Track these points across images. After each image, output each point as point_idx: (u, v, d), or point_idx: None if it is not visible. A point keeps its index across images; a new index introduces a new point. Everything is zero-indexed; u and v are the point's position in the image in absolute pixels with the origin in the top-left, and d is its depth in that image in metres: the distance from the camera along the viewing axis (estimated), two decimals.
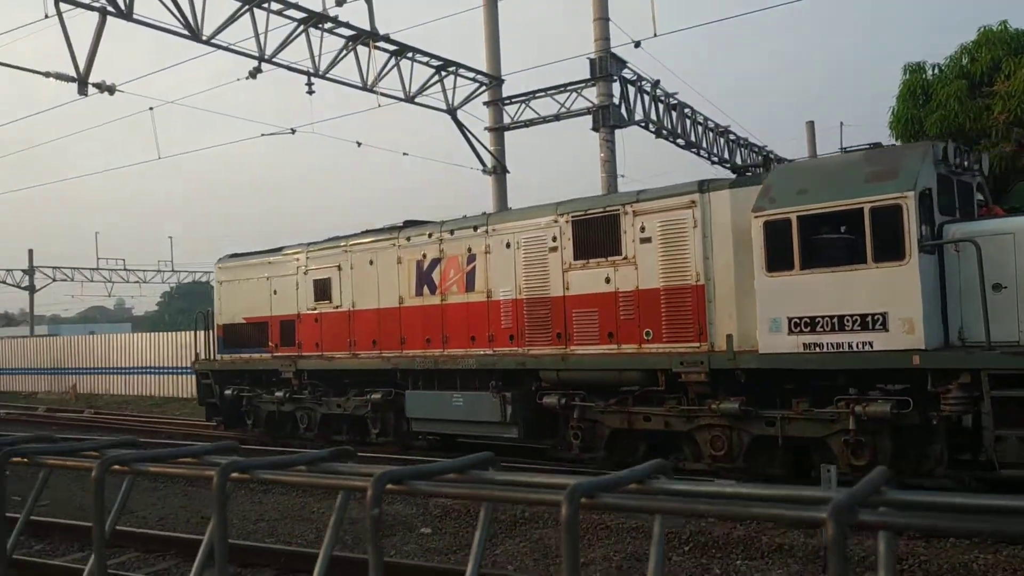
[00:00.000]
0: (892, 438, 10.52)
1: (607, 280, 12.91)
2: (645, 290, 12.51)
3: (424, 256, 15.44)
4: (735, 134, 28.87)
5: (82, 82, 17.07)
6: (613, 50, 21.05)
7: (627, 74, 21.86)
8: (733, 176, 12.16)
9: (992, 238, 9.94)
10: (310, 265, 17.54)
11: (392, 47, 20.50)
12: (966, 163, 11.22)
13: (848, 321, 10.36)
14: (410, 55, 21.07)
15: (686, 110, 25.21)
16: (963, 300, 10.11)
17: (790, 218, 10.70)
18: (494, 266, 14.35)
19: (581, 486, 0.91)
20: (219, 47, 17.90)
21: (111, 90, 17.90)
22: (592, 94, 21.35)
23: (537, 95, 22.56)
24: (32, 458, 1.12)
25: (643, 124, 22.78)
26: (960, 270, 10.13)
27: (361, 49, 19.90)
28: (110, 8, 16.43)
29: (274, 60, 18.68)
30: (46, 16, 15.88)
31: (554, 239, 13.53)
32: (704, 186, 12.12)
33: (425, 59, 21.45)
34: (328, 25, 19.09)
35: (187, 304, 70.70)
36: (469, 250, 14.73)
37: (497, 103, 23.32)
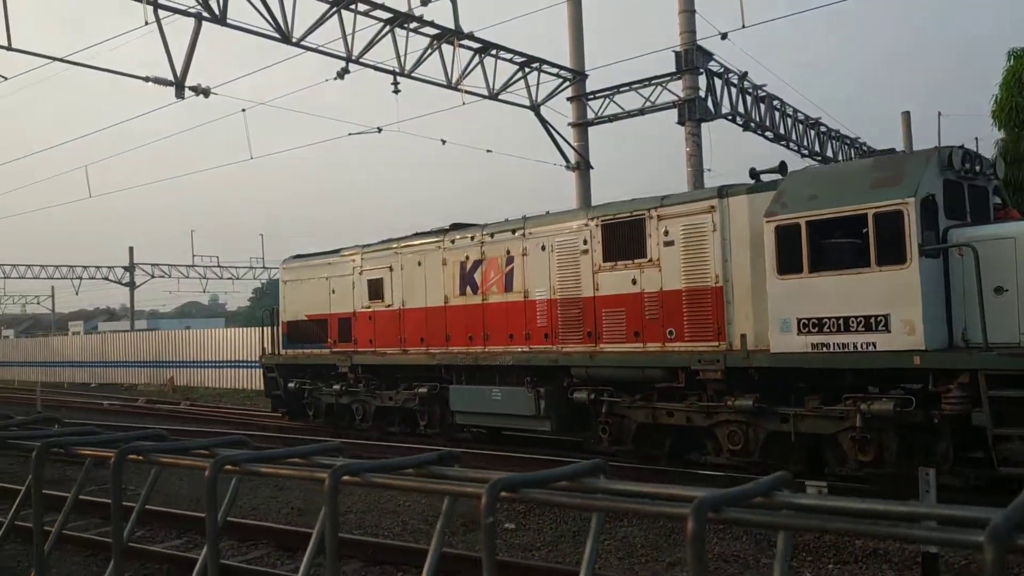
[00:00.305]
0: (899, 436, 10.74)
1: (633, 281, 13.47)
2: (668, 291, 13.07)
3: (467, 258, 16.22)
4: (826, 126, 28.09)
5: (179, 86, 17.65)
6: (699, 42, 20.71)
7: (713, 66, 21.49)
8: (777, 177, 12.35)
9: (993, 242, 10.21)
10: (365, 266, 18.49)
11: (476, 45, 20.58)
12: (978, 168, 11.44)
13: (853, 322, 10.77)
14: (494, 52, 21.12)
15: (775, 102, 24.64)
16: (966, 303, 10.31)
17: (799, 223, 11.12)
18: (530, 268, 15.07)
19: (707, 500, 0.86)
20: (308, 49, 18.27)
21: (206, 93, 18.45)
22: (678, 87, 21.07)
23: (621, 89, 22.37)
24: (147, 456, 1.13)
25: (730, 117, 22.36)
26: (963, 273, 10.35)
27: (445, 48, 20.05)
28: (205, 13, 16.93)
29: (361, 60, 18.97)
30: (146, 23, 16.45)
31: (585, 242, 14.14)
32: (723, 191, 12.59)
33: (508, 56, 21.47)
34: (413, 25, 19.29)
35: (276, 300, 72.63)
36: (508, 252, 15.47)
37: (580, 98, 23.20)
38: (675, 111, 20.96)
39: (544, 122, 23.16)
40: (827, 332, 10.95)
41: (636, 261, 13.44)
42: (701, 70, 20.83)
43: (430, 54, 19.91)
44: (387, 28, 19.00)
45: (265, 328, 21.54)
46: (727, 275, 12.41)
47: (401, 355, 17.40)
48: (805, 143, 26.51)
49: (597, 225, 13.98)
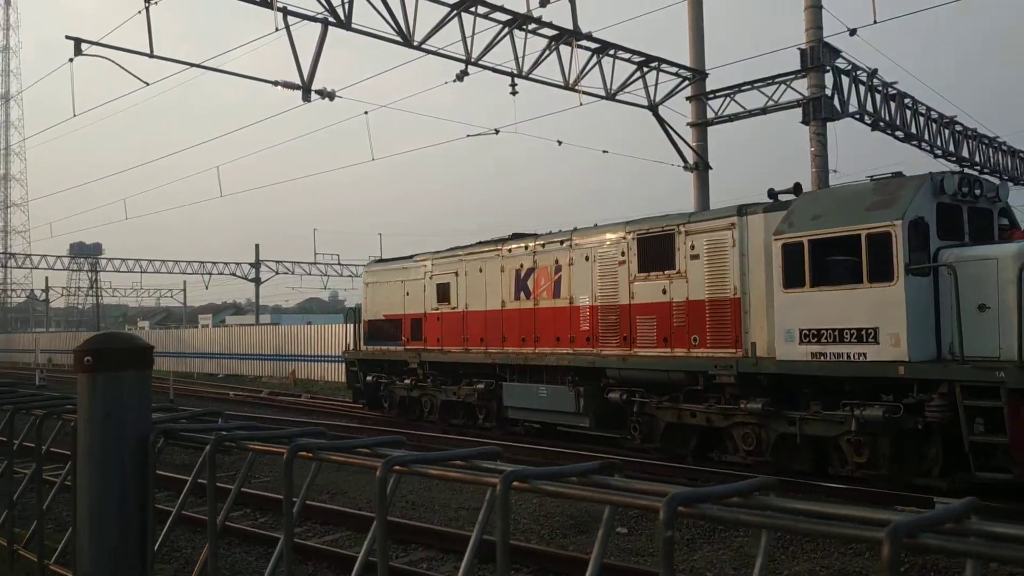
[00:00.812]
0: (891, 441, 11.60)
1: (663, 291, 14.66)
2: (694, 301, 14.19)
3: (522, 266, 17.71)
4: (962, 124, 26.66)
5: (306, 89, 18.26)
6: (826, 39, 20.01)
7: (841, 63, 20.71)
8: (775, 201, 13.60)
9: (978, 263, 11.09)
10: (434, 271, 20.03)
11: (594, 45, 20.50)
12: (978, 192, 12.23)
13: (847, 334, 11.81)
14: (612, 52, 20.98)
15: (906, 100, 23.56)
16: (953, 318, 11.10)
17: (803, 241, 12.20)
18: (575, 276, 16.42)
19: (903, 525, 0.81)
20: (429, 52, 18.60)
21: (331, 96, 19.03)
22: (802, 86, 20.40)
23: (743, 88, 21.84)
24: (316, 453, 1.16)
25: (858, 116, 21.49)
26: (951, 291, 11.16)
27: (563, 48, 20.04)
28: (331, 19, 17.46)
29: (480, 62, 19.18)
30: (276, 29, 17.09)
31: (622, 254, 15.40)
32: (742, 210, 13.63)
33: (627, 56, 21.29)
34: (532, 26, 19.36)
35: None
36: (556, 261, 16.85)
37: (700, 98, 22.77)
38: (799, 110, 20.31)
39: (662, 122, 22.85)
40: (824, 343, 12.06)
41: (666, 272, 14.60)
42: (828, 67, 20.11)
43: (548, 55, 19.95)
44: (506, 30, 19.14)
45: (349, 325, 23.68)
46: (745, 287, 13.43)
47: (463, 353, 18.85)
48: (939, 143, 25.23)
49: (633, 238, 15.22)
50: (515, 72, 19.57)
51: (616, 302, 15.43)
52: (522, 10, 19.01)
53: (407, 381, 20.43)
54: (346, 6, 17.39)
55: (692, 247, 14.15)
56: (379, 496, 0.92)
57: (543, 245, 17.21)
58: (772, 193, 13.74)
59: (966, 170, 12.93)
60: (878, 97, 22.20)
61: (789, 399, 12.82)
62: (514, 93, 19.79)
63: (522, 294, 17.55)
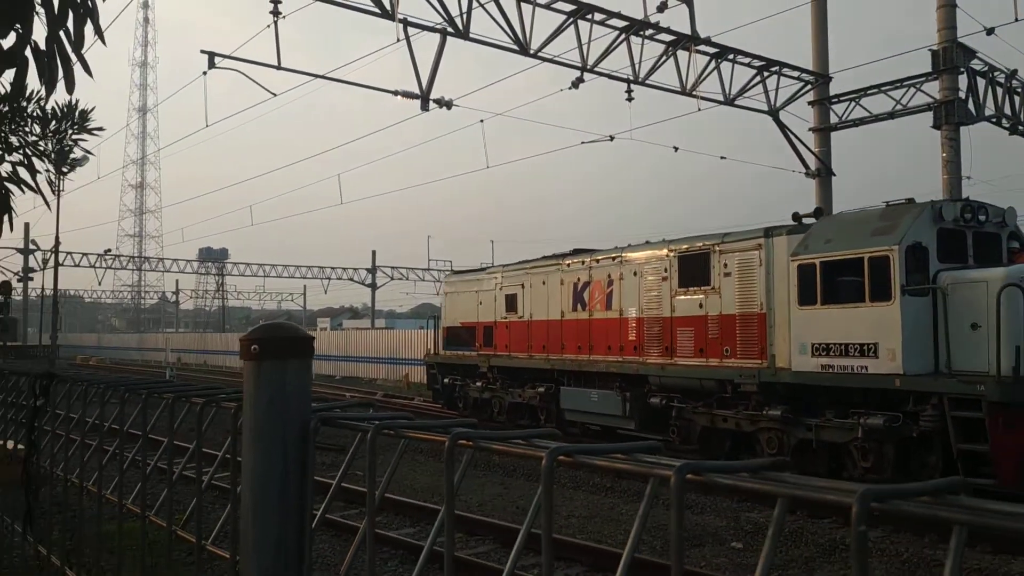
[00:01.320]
0: (895, 447, 12.44)
1: (700, 305, 15.75)
2: (726, 315, 15.20)
3: (579, 279, 18.97)
4: None
5: (424, 98, 18.64)
6: (960, 39, 19.08)
7: (976, 64, 19.71)
8: (797, 224, 14.68)
9: (971, 284, 12.02)
10: (504, 283, 21.49)
11: (712, 50, 20.19)
12: (982, 217, 13.11)
13: (851, 348, 12.91)
14: (731, 57, 20.62)
15: None
16: (957, 335, 12.02)
17: (815, 262, 13.37)
18: (624, 290, 17.64)
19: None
20: (545, 59, 18.71)
21: (448, 105, 19.38)
22: (933, 88, 19.52)
23: (869, 92, 21.06)
24: (476, 442, 1.18)
25: (994, 120, 20.40)
26: (947, 310, 12.12)
27: (681, 54, 19.81)
28: (450, 29, 17.78)
29: (595, 69, 19.16)
30: (397, 40, 17.54)
31: (665, 270, 16.55)
32: (769, 232, 14.68)
33: (746, 60, 20.88)
34: (649, 32, 19.23)
35: None
36: (608, 276, 18.08)
37: (823, 102, 22.08)
38: (930, 114, 19.42)
39: (783, 127, 22.27)
40: (832, 356, 13.20)
41: (703, 288, 15.70)
42: (962, 69, 19.16)
43: (665, 61, 19.77)
44: (622, 36, 19.07)
45: (430, 331, 26.70)
46: (770, 303, 14.40)
47: (527, 359, 20.34)
48: None
49: (675, 256, 16.38)
50: (631, 78, 19.47)
51: (659, 314, 16.67)
52: (639, 16, 18.91)
53: (478, 384, 21.85)
54: (464, 16, 17.69)
55: (725, 265, 15.23)
56: (545, 483, 0.91)
57: (598, 260, 18.53)
58: (796, 217, 14.90)
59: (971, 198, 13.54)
60: (1017, 99, 21.01)
61: (807, 408, 13.81)
62: (630, 99, 19.67)
63: (579, 305, 18.90)
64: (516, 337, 20.72)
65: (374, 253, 64.72)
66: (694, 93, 20.12)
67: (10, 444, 3.84)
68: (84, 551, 2.49)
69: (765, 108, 21.98)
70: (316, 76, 19.46)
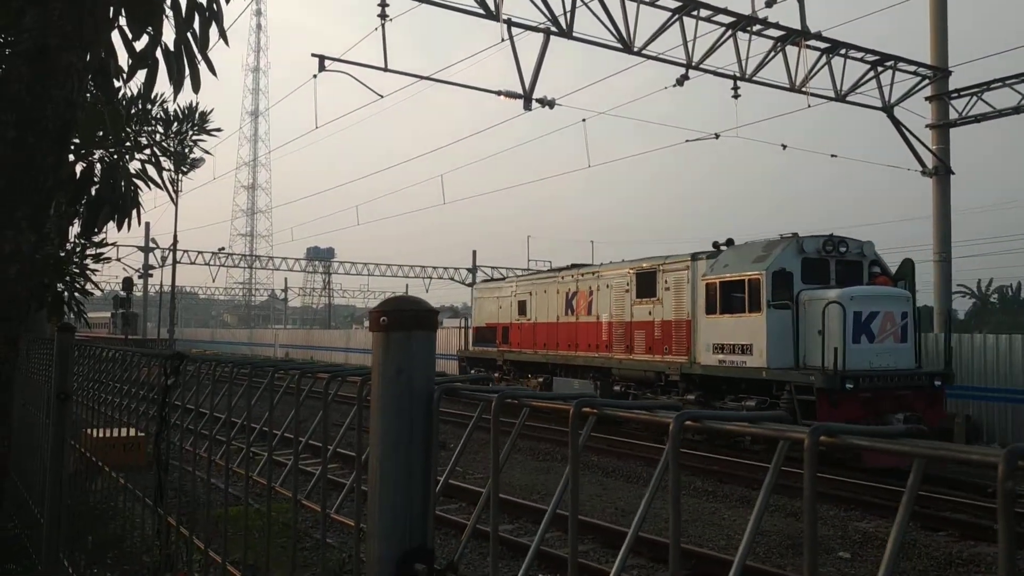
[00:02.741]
0: None
1: (650, 313, 19.91)
2: (666, 321, 19.40)
3: (570, 290, 23.22)
4: None
5: (527, 98, 18.76)
6: None
7: None
8: (715, 250, 18.58)
9: (817, 301, 15.71)
10: (517, 291, 25.80)
11: (823, 45, 19.63)
12: (843, 249, 17.05)
13: (737, 347, 16.90)
14: (843, 52, 20.00)
15: None
16: (807, 340, 15.97)
17: (716, 282, 17.49)
18: (600, 299, 21.89)
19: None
20: (649, 57, 18.55)
21: (551, 104, 19.44)
22: None
23: (992, 86, 20.07)
24: (521, 400, 1.22)
25: None
26: (803, 320, 16.14)
27: (790, 49, 19.33)
28: (553, 28, 17.83)
29: (701, 66, 18.89)
30: (501, 40, 17.71)
31: (627, 284, 20.77)
32: (694, 257, 18.79)
33: (859, 55, 20.21)
34: (756, 27, 18.84)
35: None
36: (590, 288, 22.32)
37: (942, 97, 21.18)
38: None
39: (898, 124, 21.46)
40: (726, 353, 17.28)
41: (651, 299, 19.88)
42: None
43: (773, 56, 19.33)
44: (729, 32, 18.75)
45: (461, 331, 32.01)
46: (694, 312, 18.38)
47: (532, 355, 24.56)
48: None
49: (634, 273, 20.66)
50: (738, 75, 19.10)
51: (623, 319, 20.89)
52: (746, 11, 18.54)
53: (496, 375, 25.51)
54: (568, 15, 17.71)
55: (666, 282, 19.42)
56: (672, 448, 0.92)
57: (583, 275, 22.91)
58: (715, 245, 18.87)
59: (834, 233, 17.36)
60: None
61: (716, 393, 17.64)
62: (736, 96, 19.31)
63: (569, 311, 23.15)
64: (525, 336, 25.07)
65: (474, 253, 65.44)
66: (804, 89, 19.59)
67: (133, 432, 4.05)
68: (212, 522, 2.61)
69: (879, 104, 21.21)
70: (421, 77, 19.83)
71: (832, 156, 23.28)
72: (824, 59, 19.87)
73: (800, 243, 16.69)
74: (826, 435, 0.85)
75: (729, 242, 18.79)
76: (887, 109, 21.23)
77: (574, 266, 24.36)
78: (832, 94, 20.24)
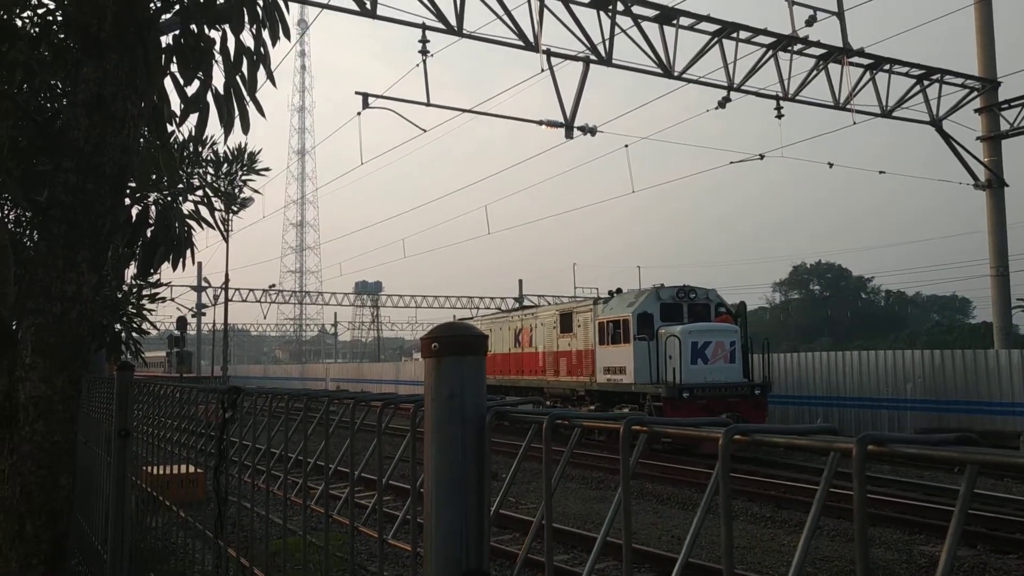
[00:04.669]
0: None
1: (569, 344, 25.55)
2: (578, 350, 24.97)
3: (517, 327, 29.25)
4: None
5: (568, 126, 18.87)
6: None
7: None
8: (610, 296, 24.63)
9: (668, 335, 21.47)
10: (482, 328, 32.45)
11: (867, 61, 19.45)
12: (692, 296, 22.96)
13: (616, 369, 22.80)
14: (887, 67, 19.79)
15: None
16: (663, 363, 21.61)
17: (604, 320, 23.41)
18: (537, 334, 27.72)
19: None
20: (689, 81, 18.57)
21: (592, 131, 19.52)
22: None
23: None
24: (572, 420, 1.24)
25: None
26: (660, 349, 21.82)
27: (832, 67, 19.19)
28: (592, 56, 17.95)
29: (742, 88, 18.83)
30: (541, 70, 17.88)
31: (555, 323, 26.58)
32: (596, 302, 24.81)
33: (904, 69, 19.98)
34: (798, 47, 18.75)
35: None
36: (530, 325, 28.28)
37: (992, 109, 20.80)
38: None
39: (947, 137, 21.11)
40: (611, 374, 22.99)
41: (569, 334, 25.56)
42: None
43: (816, 75, 19.22)
44: (770, 53, 18.69)
45: None
46: (595, 344, 23.92)
47: (493, 379, 27.99)
48: None
49: (559, 314, 26.65)
50: (780, 95, 19.01)
51: (552, 350, 26.56)
52: (786, 31, 18.48)
53: None
54: (607, 43, 17.83)
55: (579, 321, 25.10)
56: (723, 463, 0.93)
57: (525, 316, 29.25)
58: (610, 292, 24.92)
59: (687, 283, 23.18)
60: None
61: (610, 405, 22.86)
62: (779, 116, 19.20)
63: (516, 344, 29.09)
64: (504, 364, 29.89)
65: (520, 282, 65.55)
66: (848, 107, 19.41)
67: (191, 468, 4.12)
68: (271, 552, 2.66)
69: (927, 118, 20.90)
70: (463, 111, 20.08)
71: (880, 172, 22.96)
72: (868, 75, 19.69)
73: (658, 293, 22.80)
74: (874, 444, 0.86)
75: (619, 290, 25.01)
76: (935, 123, 20.91)
77: (521, 308, 32.14)
78: (878, 110, 20.01)
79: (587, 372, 24.06)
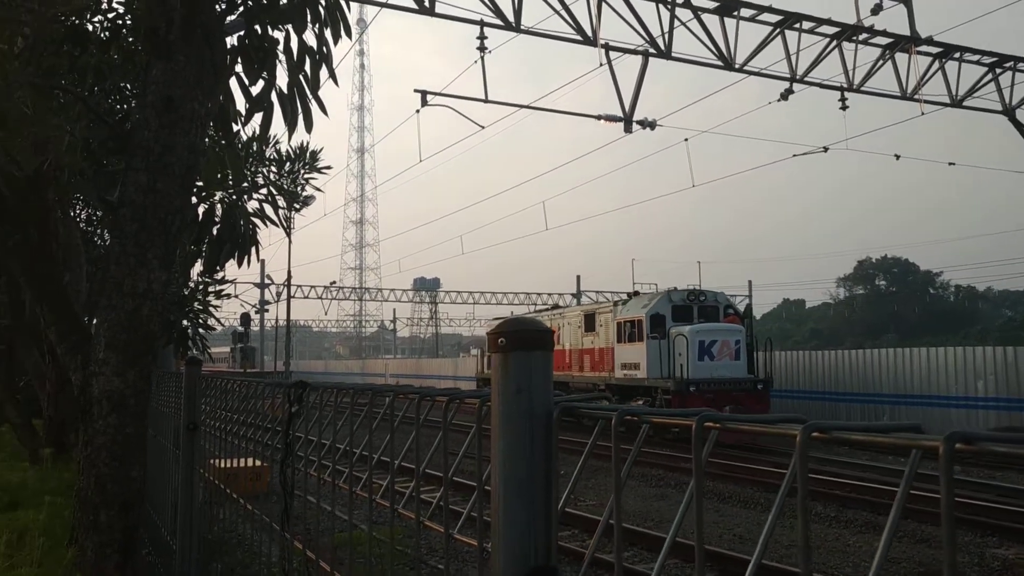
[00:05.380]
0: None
1: (592, 342, 27.57)
2: (601, 348, 26.94)
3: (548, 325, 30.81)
4: None
5: (627, 121, 18.72)
6: None
7: None
8: (628, 299, 27.03)
9: (677, 335, 23.47)
10: None
11: (935, 49, 18.89)
12: (702, 299, 25.22)
13: (631, 365, 24.97)
14: (956, 56, 19.20)
15: None
16: (673, 360, 23.57)
17: (622, 320, 25.51)
18: (564, 333, 29.56)
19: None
20: (751, 73, 18.26)
21: (652, 125, 19.34)
22: None
23: None
24: (642, 417, 1.22)
25: None
26: (671, 347, 23.73)
27: (899, 56, 18.69)
28: (652, 50, 17.77)
29: (806, 79, 18.47)
30: (600, 65, 17.76)
31: (580, 323, 28.74)
32: (616, 304, 27.27)
33: (975, 57, 19.36)
34: (863, 36, 18.31)
35: None
36: (559, 325, 29.67)
37: None
38: None
39: (1020, 127, 20.40)
40: (627, 369, 25.17)
41: (592, 333, 27.60)
42: None
43: (882, 65, 18.74)
44: (833, 43, 18.28)
45: (479, 357, 40.51)
46: (614, 342, 25.84)
47: None
48: None
49: (582, 314, 28.92)
50: (845, 86, 18.58)
51: (578, 347, 28.63)
52: (851, 20, 18.06)
53: None
54: (666, 36, 17.63)
55: (600, 321, 27.08)
56: (800, 460, 0.91)
57: (553, 316, 30.92)
58: (628, 295, 27.20)
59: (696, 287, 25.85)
60: None
61: (628, 398, 23.69)
62: (844, 108, 18.77)
63: None
64: None
65: (578, 278, 65.30)
66: (916, 97, 18.89)
67: (255, 461, 4.19)
68: (334, 547, 2.69)
69: (999, 107, 20.24)
70: (521, 106, 20.07)
71: (950, 164, 22.33)
72: (936, 64, 19.13)
73: (670, 295, 24.96)
74: (962, 442, 0.82)
75: (636, 293, 27.60)
76: (1008, 112, 20.22)
77: (554, 307, 35.86)
78: (947, 100, 19.44)
79: (607, 368, 26.16)
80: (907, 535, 11.64)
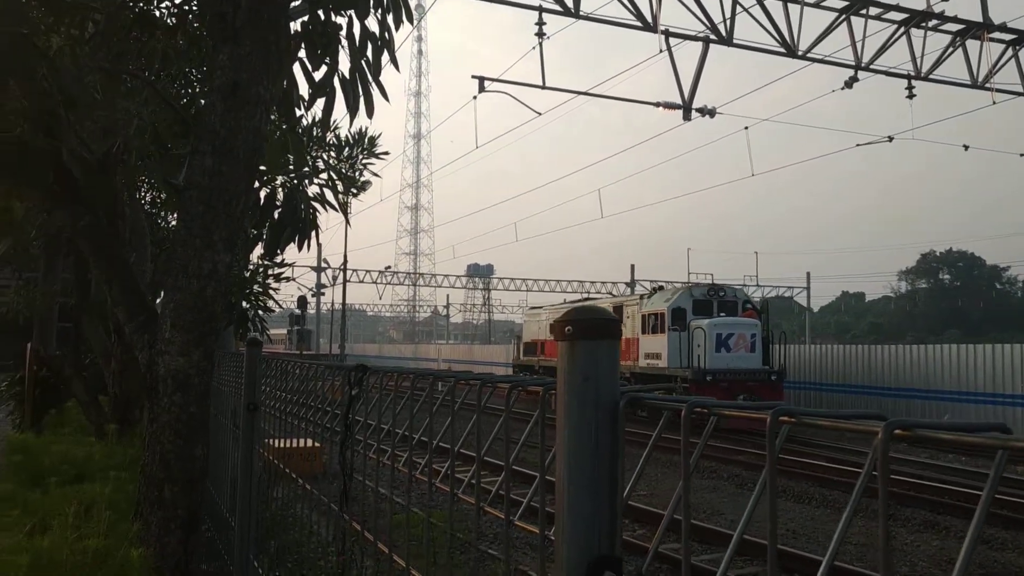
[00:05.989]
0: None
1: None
2: (627, 338, 26.93)
3: (544, 321, 34.86)
4: None
5: (686, 108, 18.49)
6: None
7: None
8: (653, 292, 29.11)
9: (697, 327, 24.94)
10: (549, 317, 35.02)
11: (1009, 36, 18.26)
12: (722, 293, 27.00)
13: (653, 355, 26.67)
14: None
15: None
16: (692, 350, 24.88)
17: (645, 313, 27.28)
18: None
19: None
20: (814, 60, 17.88)
21: (711, 113, 19.08)
22: None
23: None
24: (712, 409, 1.20)
25: None
26: (691, 339, 25.15)
27: (971, 43, 18.11)
28: (712, 36, 17.50)
29: (871, 67, 18.02)
30: (660, 51, 17.56)
31: None
32: (641, 297, 28.85)
33: None
34: (932, 23, 17.78)
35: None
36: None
37: None
38: None
39: None
40: (649, 358, 26.85)
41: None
42: None
43: (952, 52, 18.18)
44: (901, 30, 17.80)
45: (514, 345, 43.54)
46: (639, 332, 27.44)
47: (546, 360, 34.07)
48: None
49: (611, 306, 27.79)
50: (912, 74, 18.08)
51: None
52: (920, 6, 17.55)
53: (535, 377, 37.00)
54: (728, 22, 17.35)
55: (628, 313, 28.00)
56: (882, 458, 0.88)
57: (548, 313, 35.34)
58: (651, 289, 28.81)
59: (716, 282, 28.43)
60: None
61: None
62: (911, 97, 18.27)
63: (547, 333, 32.94)
64: (549, 349, 33.20)
65: (632, 267, 64.87)
66: (987, 85, 18.30)
67: (310, 442, 4.25)
68: (389, 529, 2.72)
69: None
70: (579, 93, 19.96)
71: (1021, 155, 21.61)
72: (1010, 51, 18.49)
73: (691, 291, 26.77)
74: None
75: (660, 287, 30.81)
76: None
77: (585, 298, 40.79)
78: (1021, 88, 18.79)
79: (632, 357, 27.52)
80: (962, 534, 11.36)
